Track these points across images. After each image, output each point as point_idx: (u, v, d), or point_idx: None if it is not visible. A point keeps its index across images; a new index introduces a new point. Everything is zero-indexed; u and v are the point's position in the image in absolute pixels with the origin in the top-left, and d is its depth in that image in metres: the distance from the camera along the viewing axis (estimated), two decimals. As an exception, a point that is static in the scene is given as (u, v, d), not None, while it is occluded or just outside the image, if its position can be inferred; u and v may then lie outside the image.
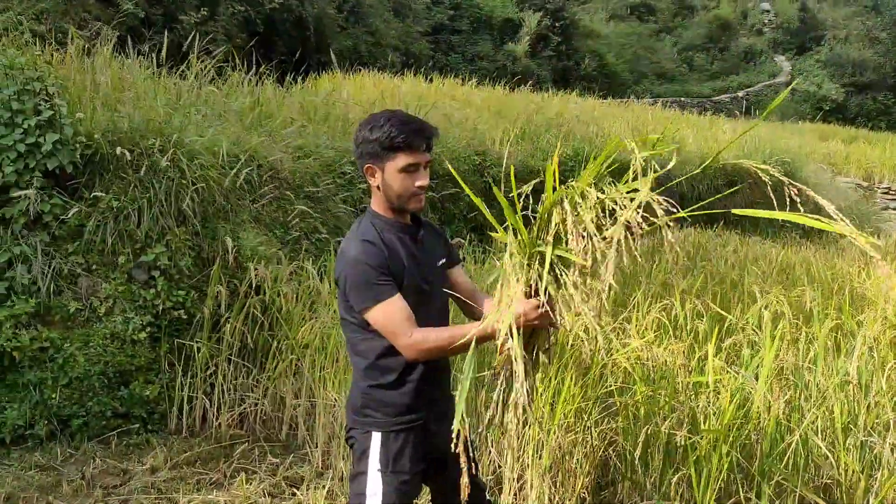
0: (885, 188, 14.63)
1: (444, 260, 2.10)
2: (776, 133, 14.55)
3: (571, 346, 3.02)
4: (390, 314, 1.87)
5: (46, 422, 3.69)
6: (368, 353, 1.98)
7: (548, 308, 1.78)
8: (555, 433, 2.86)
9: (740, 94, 25.84)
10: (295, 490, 3.28)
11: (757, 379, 2.62)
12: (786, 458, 2.52)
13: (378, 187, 1.96)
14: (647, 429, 2.77)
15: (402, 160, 1.90)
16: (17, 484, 3.27)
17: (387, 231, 1.98)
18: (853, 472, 2.47)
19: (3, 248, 3.70)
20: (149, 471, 3.48)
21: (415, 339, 1.87)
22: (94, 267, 3.95)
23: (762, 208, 1.96)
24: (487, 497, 2.23)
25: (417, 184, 1.92)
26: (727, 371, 2.83)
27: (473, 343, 1.80)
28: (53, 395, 3.69)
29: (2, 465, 3.44)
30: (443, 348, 1.89)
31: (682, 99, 22.87)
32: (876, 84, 27.13)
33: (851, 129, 20.83)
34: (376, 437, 1.99)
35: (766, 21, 31.82)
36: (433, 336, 1.88)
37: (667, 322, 3.47)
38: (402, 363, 1.96)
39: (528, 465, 2.93)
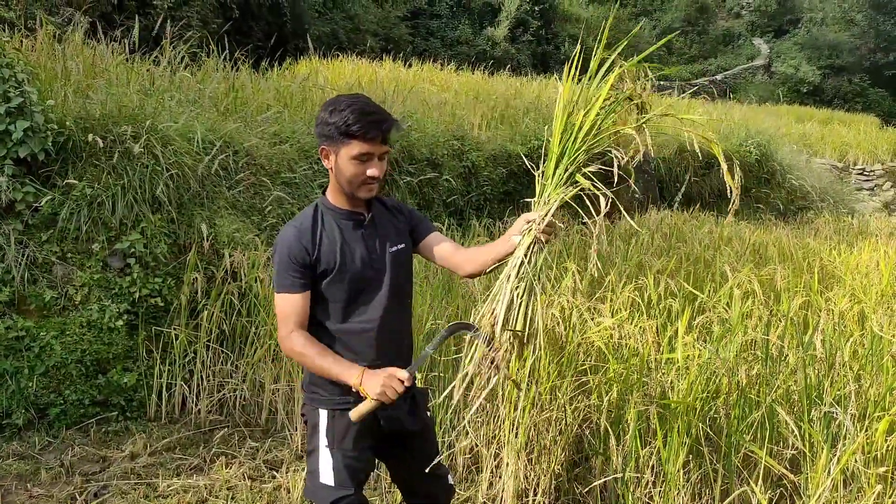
0: (860, 169, 14.84)
1: (400, 245, 2.09)
2: (753, 115, 14.69)
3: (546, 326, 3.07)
4: (282, 307, 1.97)
5: (24, 410, 3.68)
6: (313, 334, 2.02)
7: (399, 385, 1.87)
8: (529, 411, 2.91)
9: (718, 77, 25.99)
10: (275, 473, 3.31)
11: (721, 355, 2.68)
12: (752, 431, 2.59)
13: (331, 169, 1.98)
14: (619, 405, 2.83)
15: (355, 148, 1.90)
16: (-5, 473, 3.27)
17: (329, 217, 2.01)
18: (817, 442, 2.55)
19: (-26, 238, 3.66)
20: (128, 457, 3.48)
21: (290, 339, 1.96)
22: (68, 255, 3.93)
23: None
24: (450, 481, 2.28)
25: (369, 173, 1.93)
26: (696, 347, 2.90)
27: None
28: (30, 384, 3.68)
29: (-21, 455, 3.43)
30: (307, 359, 1.96)
31: (661, 82, 22.97)
32: (852, 66, 27.43)
33: (827, 111, 21.05)
34: (323, 414, 2.04)
35: (745, 4, 31.99)
36: (305, 350, 1.95)
37: (640, 301, 3.53)
38: (341, 350, 1.99)
39: (504, 443, 2.99)
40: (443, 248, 2.14)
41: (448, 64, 12.43)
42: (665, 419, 2.66)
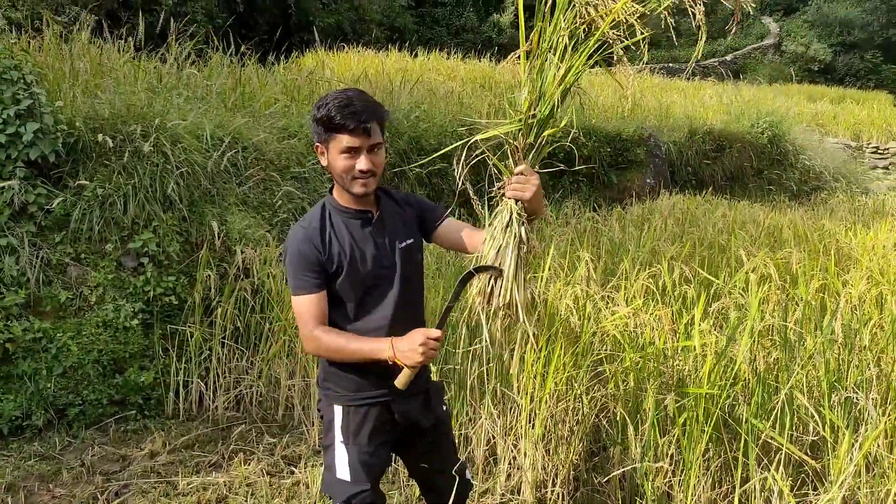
0: (874, 148, 14.65)
1: (409, 241, 2.06)
2: (764, 96, 14.53)
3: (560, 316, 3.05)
4: (300, 308, 1.95)
5: (43, 412, 3.71)
6: None
7: (434, 343, 1.85)
8: (546, 402, 2.90)
9: (728, 57, 25.70)
10: (293, 468, 3.32)
11: (739, 341, 2.65)
12: (772, 417, 2.57)
13: (326, 167, 1.96)
14: (636, 394, 2.81)
15: (342, 141, 1.87)
16: (18, 473, 3.30)
17: (337, 216, 1.99)
18: (838, 428, 2.52)
19: (-11, 241, 3.68)
20: (147, 455, 3.51)
21: (313, 335, 1.94)
22: (82, 256, 3.95)
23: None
24: (468, 475, 2.28)
25: (358, 167, 1.89)
26: (712, 334, 2.87)
27: None
28: (49, 385, 3.71)
29: (1, 456, 3.46)
30: (335, 351, 1.94)
31: (671, 64, 22.77)
32: (864, 43, 27.04)
33: (840, 90, 20.81)
34: (338, 410, 2.05)
35: (753, -18, 31.54)
36: (332, 342, 1.93)
37: (654, 289, 3.50)
38: None
39: (521, 434, 2.98)
40: (457, 233, 2.12)
41: (454, 52, 12.36)
42: (683, 407, 2.64)
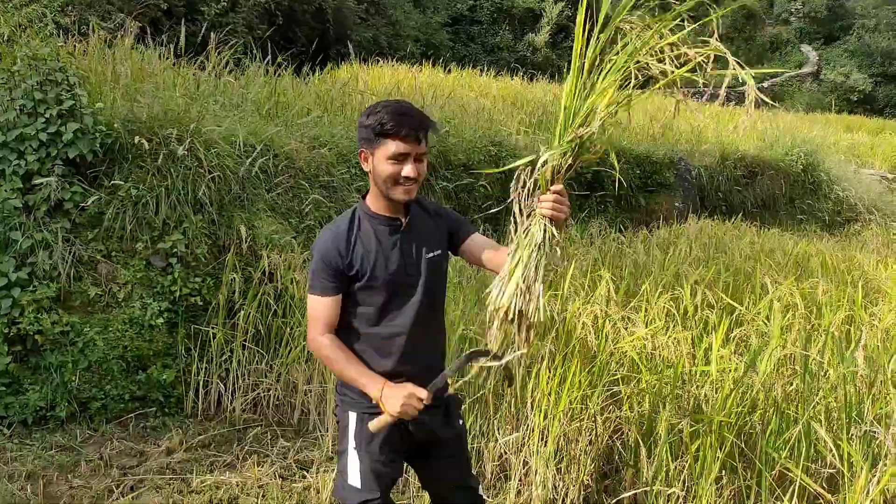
0: (912, 181, 14.34)
1: (437, 252, 2.09)
2: (800, 124, 14.35)
3: (578, 334, 3.05)
4: (313, 309, 2.02)
5: (67, 404, 3.80)
6: (343, 336, 2.05)
7: (417, 403, 1.89)
8: (560, 420, 2.89)
9: (765, 84, 25.44)
10: (305, 473, 3.35)
11: (756, 368, 2.62)
12: (788, 447, 2.53)
13: (369, 172, 2.00)
14: (651, 417, 2.79)
15: (391, 147, 1.92)
16: (39, 463, 3.38)
17: (366, 222, 2.03)
18: (856, 461, 2.47)
19: (25, 235, 3.80)
20: (164, 452, 3.57)
21: (318, 341, 2.00)
22: (113, 253, 4.05)
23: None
24: (480, 491, 2.26)
25: (404, 173, 1.93)
26: (732, 360, 2.84)
27: None
28: (74, 378, 3.80)
29: (24, 445, 3.55)
30: (332, 363, 2.01)
31: (704, 88, 22.62)
32: (905, 74, 26.57)
33: (879, 120, 20.43)
34: (353, 417, 2.07)
35: (794, 10, 31.25)
36: (331, 353, 1.99)
37: (675, 312, 3.48)
38: (371, 354, 2.02)
39: (532, 451, 2.97)
40: (482, 250, 2.14)
41: (488, 70, 12.44)
42: (698, 433, 2.62)
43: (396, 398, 1.88)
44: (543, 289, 1.92)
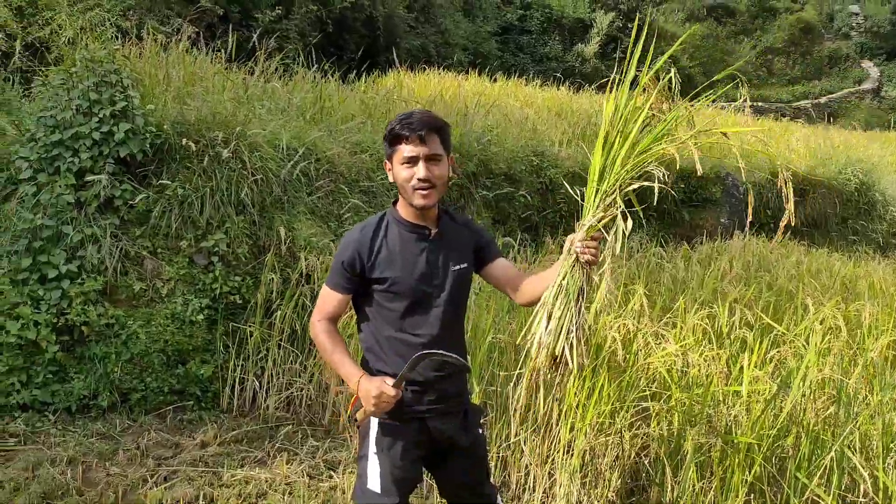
0: (976, 203, 13.72)
1: (463, 265, 2.11)
2: (856, 141, 13.90)
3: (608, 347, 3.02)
4: (323, 297, 2.12)
5: (109, 393, 3.94)
6: (365, 338, 2.12)
7: (388, 399, 1.94)
8: (586, 434, 2.87)
9: (822, 100, 24.76)
10: (332, 473, 3.40)
11: (789, 389, 2.56)
12: (820, 474, 2.46)
13: (394, 182, 2.05)
14: (679, 435, 2.75)
15: (401, 152, 1.99)
16: (79, 449, 3.51)
17: (394, 226, 2.07)
18: (893, 492, 2.39)
19: (76, 229, 3.96)
20: (199, 445, 3.66)
21: (316, 325, 2.10)
22: (158, 250, 4.19)
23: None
24: (499, 502, 2.27)
25: (417, 176, 1.97)
26: (766, 382, 2.78)
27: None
28: (116, 369, 3.93)
29: (67, 431, 3.69)
30: (320, 347, 2.10)
31: (759, 104, 22.14)
32: (973, 93, 25.50)
33: (942, 140, 19.60)
34: (374, 422, 2.09)
35: (855, 24, 30.34)
36: (323, 339, 2.07)
37: (710, 329, 3.42)
38: (393, 357, 2.04)
39: (558, 464, 2.96)
40: (505, 275, 2.19)
41: (536, 79, 12.42)
42: (726, 454, 2.57)
43: (368, 396, 1.94)
44: (584, 334, 1.98)
